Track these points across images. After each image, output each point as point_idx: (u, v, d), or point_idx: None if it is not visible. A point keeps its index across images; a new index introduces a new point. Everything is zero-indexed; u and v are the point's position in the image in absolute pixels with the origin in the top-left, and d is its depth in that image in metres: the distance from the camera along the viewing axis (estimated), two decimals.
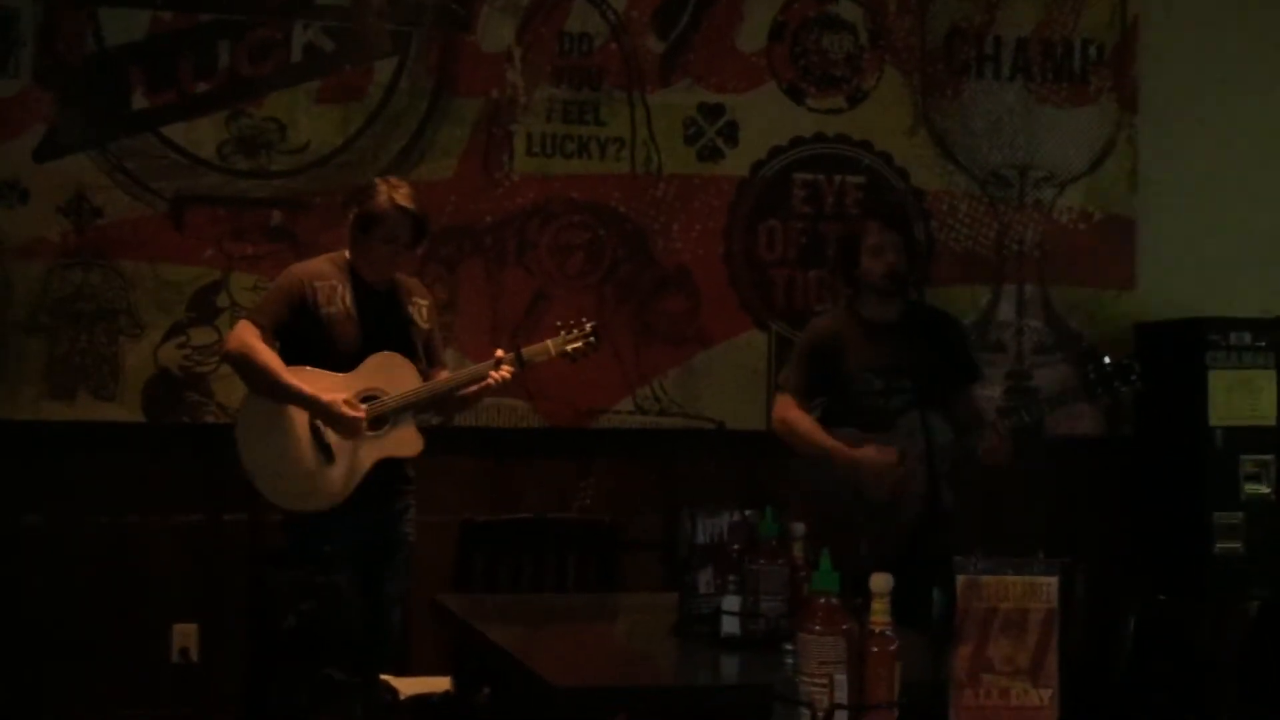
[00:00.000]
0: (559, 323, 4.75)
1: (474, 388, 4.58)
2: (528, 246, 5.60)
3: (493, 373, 4.54)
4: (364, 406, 4.42)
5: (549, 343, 4.67)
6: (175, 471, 5.31)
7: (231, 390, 5.09)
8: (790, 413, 4.80)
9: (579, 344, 4.67)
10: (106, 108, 5.32)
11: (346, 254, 4.57)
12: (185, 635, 5.34)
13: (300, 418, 4.43)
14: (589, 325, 4.71)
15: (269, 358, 4.39)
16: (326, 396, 4.39)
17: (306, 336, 4.44)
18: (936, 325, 4.90)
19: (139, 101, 5.34)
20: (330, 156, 5.45)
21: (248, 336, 4.42)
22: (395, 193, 4.48)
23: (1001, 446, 4.59)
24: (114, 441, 5.27)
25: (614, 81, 5.67)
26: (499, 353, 4.61)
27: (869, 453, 4.60)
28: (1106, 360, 4.65)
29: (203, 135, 5.38)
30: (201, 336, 5.33)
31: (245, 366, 4.44)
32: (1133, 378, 4.62)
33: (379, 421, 4.47)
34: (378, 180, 4.58)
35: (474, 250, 5.55)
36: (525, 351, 4.61)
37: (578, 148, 5.63)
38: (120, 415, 5.29)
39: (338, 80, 5.48)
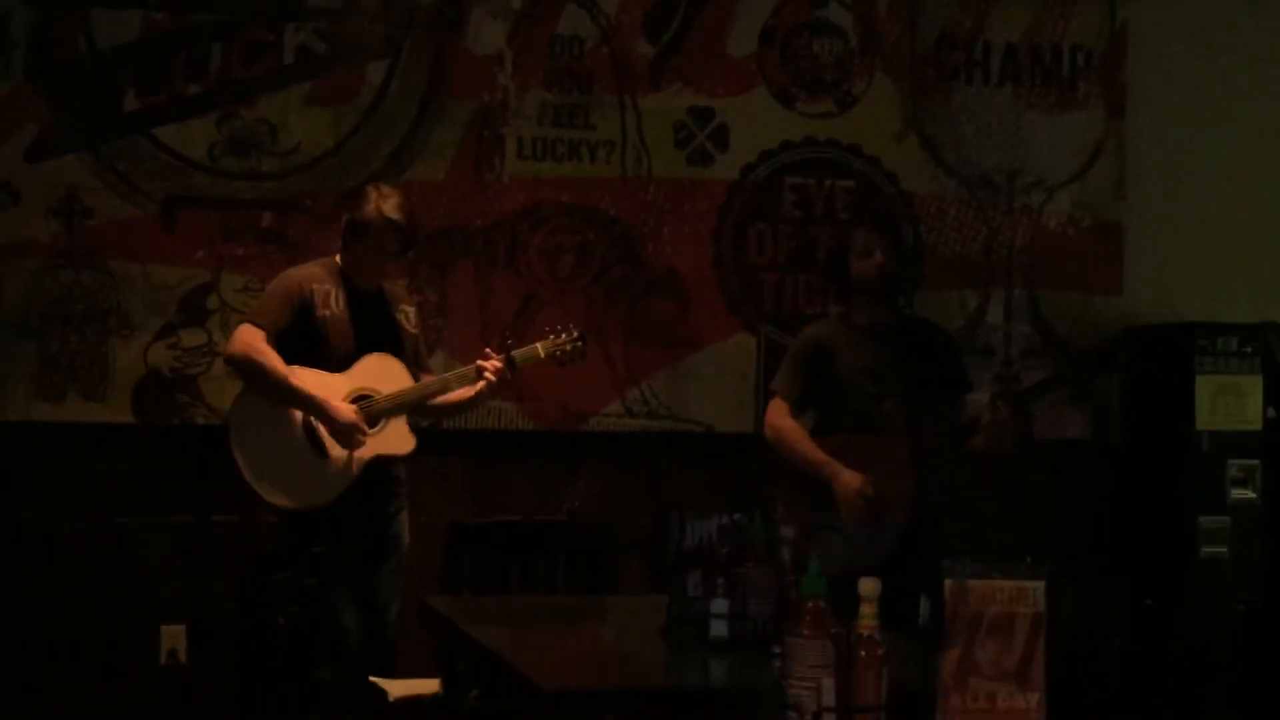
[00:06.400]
0: (547, 327, 4.76)
1: (469, 391, 4.59)
2: (518, 249, 5.61)
3: (483, 363, 4.53)
4: (360, 411, 4.44)
5: (538, 345, 4.68)
6: (165, 473, 5.31)
7: (221, 392, 5.10)
8: (782, 420, 4.77)
9: (568, 348, 4.69)
10: (98, 109, 5.32)
11: (337, 259, 4.59)
12: (173, 636, 5.33)
13: (294, 415, 4.45)
14: (576, 331, 4.73)
15: (275, 360, 4.41)
16: (333, 403, 4.41)
17: (302, 339, 4.46)
18: (927, 335, 4.90)
19: (130, 103, 5.34)
20: (321, 159, 5.45)
21: (252, 339, 4.44)
22: (384, 203, 4.50)
23: (1001, 432, 4.59)
24: (104, 443, 5.27)
25: (604, 85, 5.68)
26: (488, 350, 4.62)
27: (846, 479, 4.58)
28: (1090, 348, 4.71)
29: (194, 137, 5.38)
30: (192, 338, 5.33)
31: (250, 369, 4.45)
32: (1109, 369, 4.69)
33: (372, 420, 4.49)
34: (369, 188, 4.59)
35: (464, 253, 5.56)
36: (515, 354, 4.62)
37: (568, 151, 5.65)
38: (110, 416, 5.29)
39: (329, 82, 5.48)
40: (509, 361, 4.58)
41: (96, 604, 5.25)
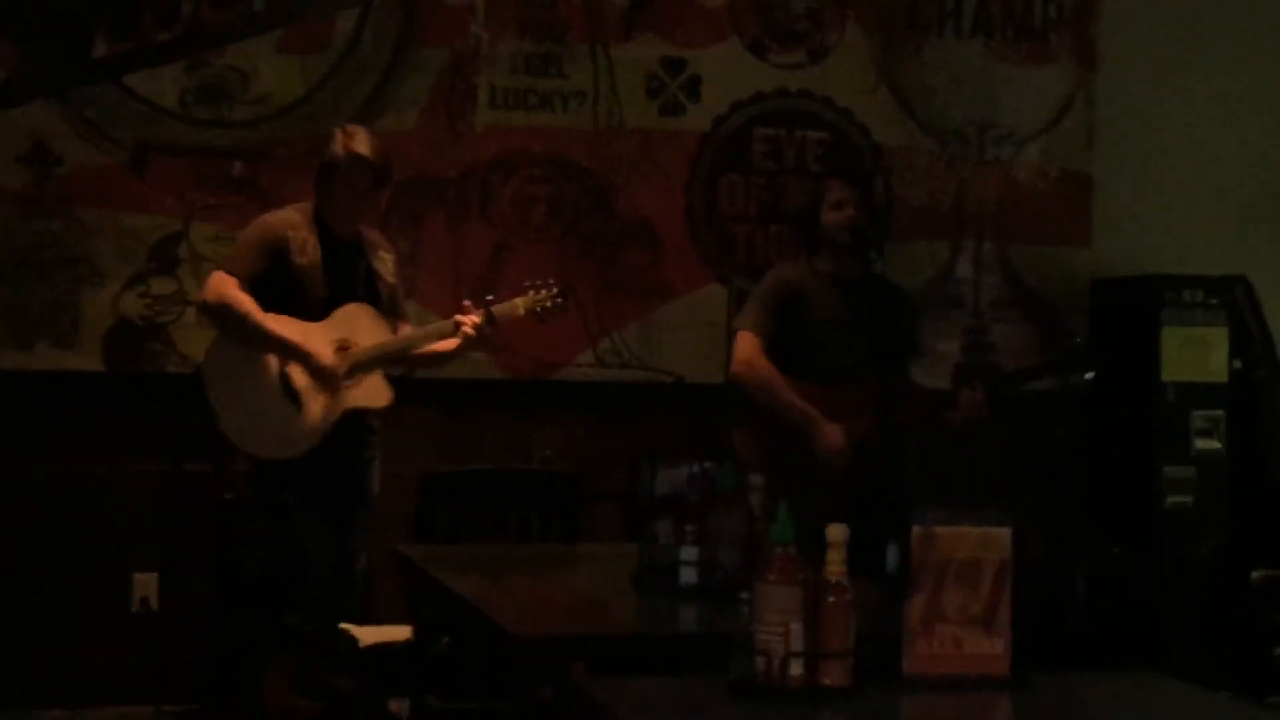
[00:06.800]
0: (526, 282, 4.75)
1: (449, 344, 4.59)
2: (490, 199, 5.60)
3: (461, 317, 4.53)
4: (342, 358, 4.44)
5: (518, 300, 4.67)
6: (136, 421, 5.30)
7: (193, 340, 5.09)
8: (760, 359, 4.73)
9: (548, 304, 4.69)
10: (67, 55, 5.28)
11: (310, 205, 4.58)
12: (145, 584, 5.34)
13: (269, 365, 4.44)
14: (556, 287, 4.72)
15: (250, 306, 4.40)
16: (311, 344, 4.41)
17: (278, 287, 4.45)
18: (892, 296, 4.94)
19: (100, 49, 5.30)
20: (292, 107, 5.42)
21: (225, 287, 4.42)
22: (351, 140, 4.50)
23: (975, 411, 4.64)
24: (75, 391, 5.25)
25: (577, 35, 5.66)
26: (466, 304, 4.61)
27: (830, 432, 4.61)
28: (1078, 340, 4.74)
29: (164, 84, 5.34)
30: (162, 286, 5.32)
31: (226, 316, 4.44)
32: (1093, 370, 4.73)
33: (349, 371, 4.48)
34: (336, 130, 4.59)
35: (436, 203, 5.55)
36: (495, 310, 4.61)
37: (540, 101, 5.63)
38: (81, 364, 5.27)
39: (300, 30, 5.45)
40: (488, 317, 4.58)
41: (68, 552, 5.24)
